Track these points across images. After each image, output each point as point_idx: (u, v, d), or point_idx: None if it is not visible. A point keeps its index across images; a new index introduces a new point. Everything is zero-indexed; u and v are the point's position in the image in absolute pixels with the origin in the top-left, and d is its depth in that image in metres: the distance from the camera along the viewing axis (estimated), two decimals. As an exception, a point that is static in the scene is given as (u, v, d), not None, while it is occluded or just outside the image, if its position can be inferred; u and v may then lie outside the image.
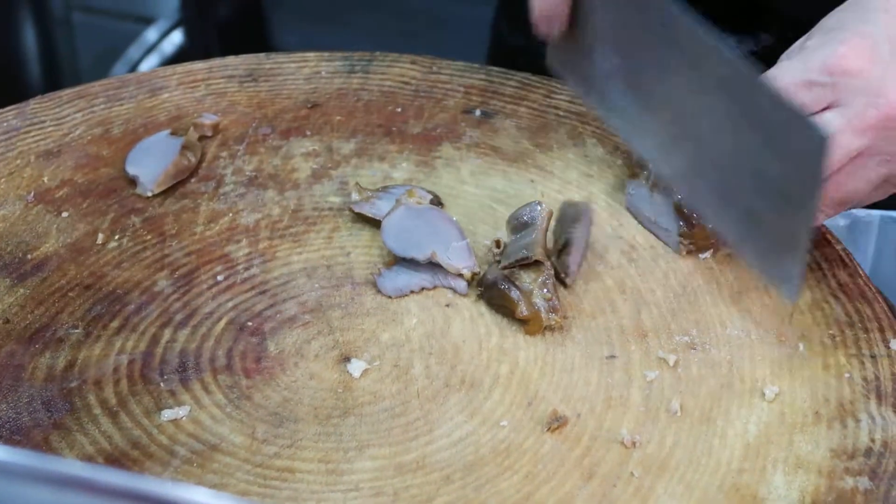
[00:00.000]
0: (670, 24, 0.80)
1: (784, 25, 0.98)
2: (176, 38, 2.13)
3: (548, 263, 0.88)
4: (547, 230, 0.89)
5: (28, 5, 2.19)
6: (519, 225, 0.90)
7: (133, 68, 2.09)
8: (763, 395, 0.82)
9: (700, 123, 0.81)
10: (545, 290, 0.87)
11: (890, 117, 0.82)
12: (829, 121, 0.82)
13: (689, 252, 0.91)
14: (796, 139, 0.73)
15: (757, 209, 0.79)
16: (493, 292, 0.88)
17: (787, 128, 0.74)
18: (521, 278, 0.87)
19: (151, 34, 2.14)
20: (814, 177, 0.74)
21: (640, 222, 0.93)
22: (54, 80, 2.19)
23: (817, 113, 0.82)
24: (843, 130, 0.82)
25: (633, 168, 0.93)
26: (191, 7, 2.08)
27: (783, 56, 0.86)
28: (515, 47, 1.27)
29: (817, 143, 0.72)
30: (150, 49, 2.11)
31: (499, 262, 0.89)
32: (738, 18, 1.14)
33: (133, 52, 2.12)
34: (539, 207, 0.90)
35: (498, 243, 0.91)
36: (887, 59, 0.82)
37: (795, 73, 0.83)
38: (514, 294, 0.87)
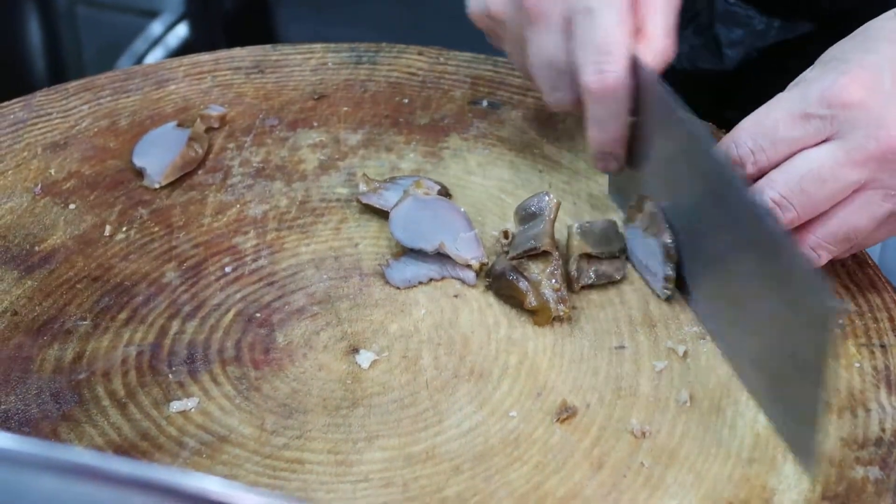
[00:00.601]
0: (713, 177, 0.81)
1: (824, 14, 0.98)
2: (181, 31, 2.13)
3: (556, 254, 0.87)
4: (555, 220, 0.89)
5: (32, -1, 2.19)
6: (527, 215, 0.90)
7: (138, 62, 2.09)
8: (773, 384, 0.82)
9: (733, 276, 0.82)
10: (553, 281, 0.87)
11: (891, 149, 0.80)
12: (828, 153, 0.80)
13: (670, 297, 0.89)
14: (809, 304, 0.72)
15: (778, 373, 0.79)
16: (501, 283, 0.88)
17: (802, 292, 0.73)
18: (530, 269, 0.87)
19: (156, 28, 2.14)
20: (822, 346, 0.72)
21: (633, 266, 0.90)
22: (59, 74, 2.19)
23: (816, 145, 0.81)
24: (842, 164, 0.80)
25: (632, 212, 0.91)
26: (195, 0, 2.08)
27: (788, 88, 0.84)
28: None
29: (826, 311, 0.71)
30: (155, 42, 2.11)
31: (507, 252, 0.89)
32: (779, 6, 1.13)
33: (138, 45, 2.12)
34: (547, 198, 0.89)
35: (506, 234, 0.91)
36: (888, 90, 0.81)
37: (793, 104, 0.81)
38: (523, 285, 0.86)
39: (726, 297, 0.83)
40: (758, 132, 0.82)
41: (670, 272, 0.86)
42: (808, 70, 0.83)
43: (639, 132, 0.88)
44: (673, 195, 0.87)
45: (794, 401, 0.77)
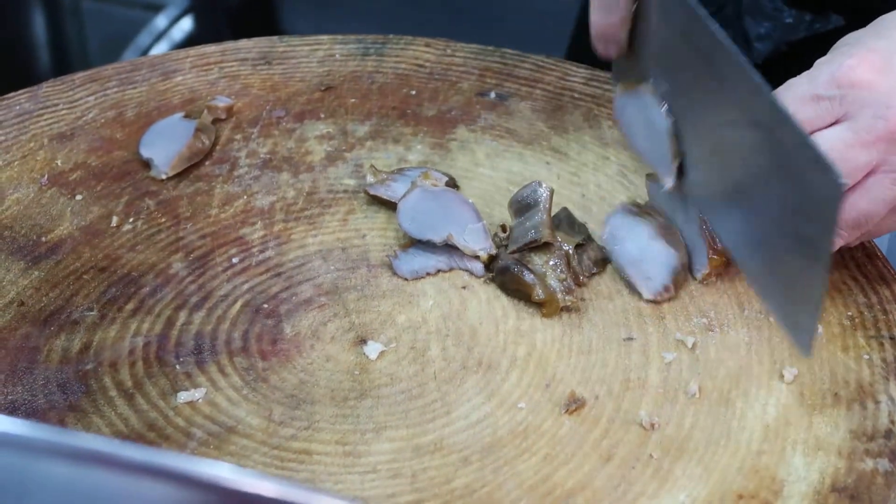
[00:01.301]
0: (715, 57, 0.80)
1: (855, 8, 0.97)
2: (185, 24, 2.12)
3: (557, 243, 0.87)
4: (551, 209, 0.88)
5: (38, -7, 2.19)
6: (522, 207, 0.90)
7: (143, 55, 2.09)
8: (782, 376, 0.82)
9: (734, 159, 0.81)
10: (558, 271, 0.86)
11: None
12: (837, 134, 0.80)
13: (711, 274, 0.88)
14: (815, 182, 0.72)
15: (778, 251, 0.78)
16: (506, 277, 0.87)
17: (807, 170, 0.73)
18: (533, 261, 0.87)
19: (161, 21, 2.14)
20: (828, 223, 0.72)
21: (617, 265, 0.89)
22: (64, 67, 2.19)
23: (826, 127, 0.81)
24: (851, 144, 0.80)
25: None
26: (201, -6, 2.08)
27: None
28: None
29: (833, 187, 0.70)
30: (160, 36, 2.11)
31: (506, 246, 0.89)
32: None
33: (143, 39, 2.11)
34: (541, 187, 0.89)
35: (504, 228, 0.90)
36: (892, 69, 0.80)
37: (803, 87, 0.81)
38: (529, 277, 0.86)
39: (726, 181, 0.83)
40: None
41: (668, 282, 0.86)
42: (822, 57, 0.83)
43: (641, 16, 0.87)
44: (673, 80, 0.86)
45: (795, 281, 0.77)
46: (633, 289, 0.87)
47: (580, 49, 1.31)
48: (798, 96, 0.81)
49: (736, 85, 0.78)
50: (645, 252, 0.87)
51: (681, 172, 0.86)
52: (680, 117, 0.85)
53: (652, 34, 0.87)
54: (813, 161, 0.72)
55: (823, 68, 0.81)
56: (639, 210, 0.89)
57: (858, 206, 0.81)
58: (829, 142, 0.80)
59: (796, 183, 0.74)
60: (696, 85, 0.83)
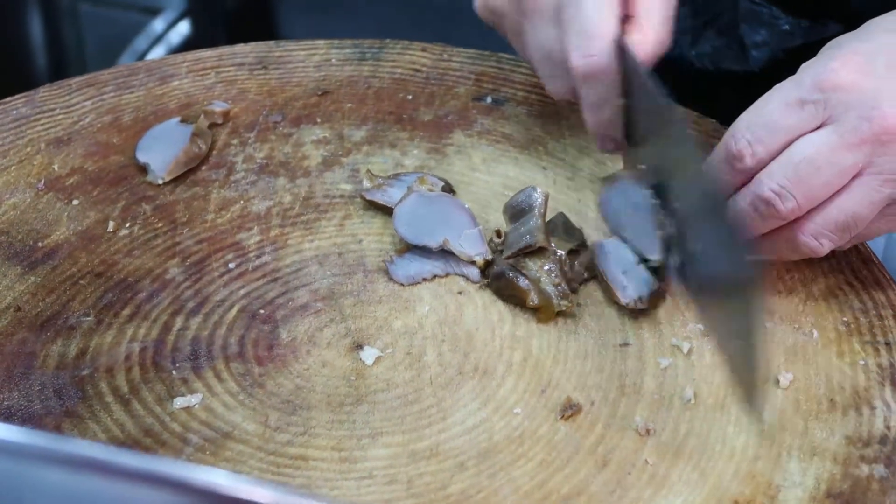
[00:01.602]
0: (670, 132, 0.84)
1: (852, 15, 0.97)
2: (183, 28, 2.12)
3: (552, 248, 0.87)
4: (546, 214, 0.89)
5: (35, -4, 2.19)
6: (517, 212, 0.90)
7: (140, 59, 2.09)
8: (777, 382, 0.82)
9: (693, 236, 0.83)
10: (553, 276, 0.86)
11: (885, 130, 0.79)
12: (822, 138, 0.80)
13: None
14: (741, 268, 0.74)
15: (725, 322, 0.80)
16: (501, 283, 0.88)
17: (737, 258, 0.75)
18: (528, 266, 0.87)
19: (158, 25, 2.14)
20: (751, 306, 0.73)
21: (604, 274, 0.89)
22: (61, 70, 2.19)
23: (812, 131, 0.81)
24: (836, 147, 0.80)
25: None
26: (198, -3, 2.08)
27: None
28: None
29: (750, 273, 0.72)
30: (157, 39, 2.11)
31: (501, 251, 0.89)
32: (805, 6, 1.13)
33: (140, 42, 2.11)
34: (535, 192, 0.89)
35: (498, 233, 0.90)
36: (882, 72, 0.80)
37: (788, 92, 0.81)
38: (523, 283, 0.86)
39: (695, 251, 0.84)
40: (754, 123, 0.82)
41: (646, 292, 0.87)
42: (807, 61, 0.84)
43: (631, 114, 0.89)
44: (651, 160, 0.88)
45: (740, 357, 0.78)
46: (608, 293, 0.87)
47: None
48: (783, 101, 0.81)
49: (685, 160, 0.82)
50: (631, 268, 0.88)
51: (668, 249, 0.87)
52: (661, 197, 0.86)
53: (640, 132, 0.89)
54: (739, 250, 0.74)
55: (808, 72, 0.81)
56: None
57: (846, 209, 0.81)
58: (814, 146, 0.80)
59: (735, 265, 0.76)
60: (664, 162, 0.86)
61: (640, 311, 0.86)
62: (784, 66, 1.02)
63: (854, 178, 0.81)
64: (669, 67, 1.08)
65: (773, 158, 0.82)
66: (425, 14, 2.08)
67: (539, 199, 0.89)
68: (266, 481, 0.75)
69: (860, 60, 0.81)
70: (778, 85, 0.83)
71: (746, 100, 0.85)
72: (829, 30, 1.13)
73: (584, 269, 0.89)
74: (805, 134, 0.81)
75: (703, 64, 1.20)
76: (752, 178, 0.82)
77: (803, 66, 0.83)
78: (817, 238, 0.82)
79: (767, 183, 0.81)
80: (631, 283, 0.87)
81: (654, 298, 0.86)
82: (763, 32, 1.17)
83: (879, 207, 0.82)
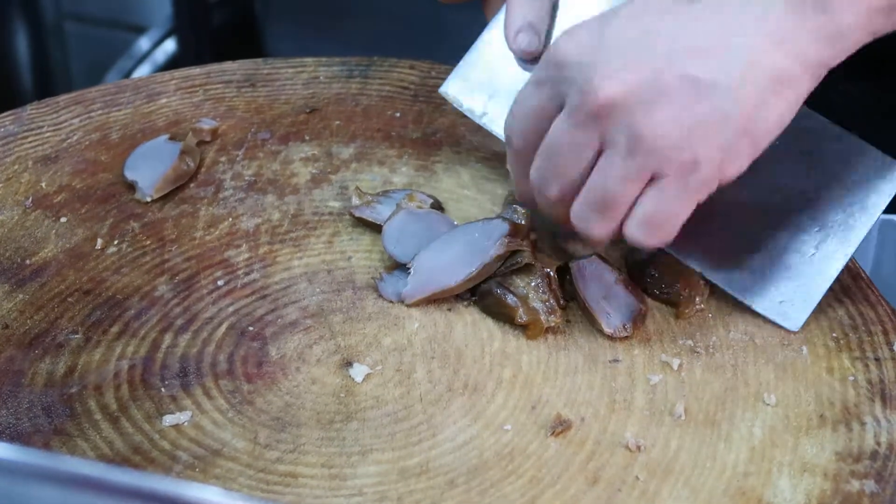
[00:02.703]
0: None
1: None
2: (168, 46, 2.12)
3: (538, 265, 0.87)
4: (530, 231, 0.89)
5: (20, 14, 2.18)
6: None
7: (126, 77, 2.08)
8: (767, 398, 0.82)
9: None
10: (541, 292, 0.86)
11: (602, 105, 0.78)
12: (558, 124, 0.81)
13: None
14: None
15: None
16: (489, 300, 0.87)
17: None
18: (515, 283, 0.87)
19: (144, 43, 2.13)
20: None
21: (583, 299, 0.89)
22: (46, 89, 2.19)
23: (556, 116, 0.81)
24: (570, 130, 0.80)
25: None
26: (184, 15, 2.07)
27: None
28: None
29: None
30: (143, 58, 2.10)
31: None
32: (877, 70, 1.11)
33: (126, 60, 2.11)
34: (517, 211, 0.89)
35: None
36: (601, 42, 0.79)
37: (533, 73, 0.83)
38: (511, 300, 0.86)
39: None
40: (515, 109, 0.84)
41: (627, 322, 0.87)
42: None
43: None
44: None
45: None
46: (591, 321, 0.87)
47: None
48: (529, 83, 0.83)
49: None
50: (610, 291, 0.87)
51: None
52: None
53: None
54: None
55: (546, 51, 0.82)
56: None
57: (596, 186, 0.80)
58: (555, 129, 0.81)
59: None
60: None
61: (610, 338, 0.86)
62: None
63: (599, 154, 0.80)
64: None
65: (533, 140, 0.83)
66: (413, 31, 2.08)
67: (522, 217, 0.89)
68: (256, 498, 0.75)
69: (584, 33, 0.80)
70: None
71: None
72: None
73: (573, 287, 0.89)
74: (550, 118, 0.81)
75: None
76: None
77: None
78: (583, 220, 0.82)
79: (532, 173, 0.83)
80: (613, 310, 0.86)
81: (637, 322, 0.86)
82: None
83: (632, 181, 0.79)
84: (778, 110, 0.78)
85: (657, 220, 0.80)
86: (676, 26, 0.78)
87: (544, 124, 0.82)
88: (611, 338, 0.86)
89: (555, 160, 0.81)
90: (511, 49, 0.92)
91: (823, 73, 0.79)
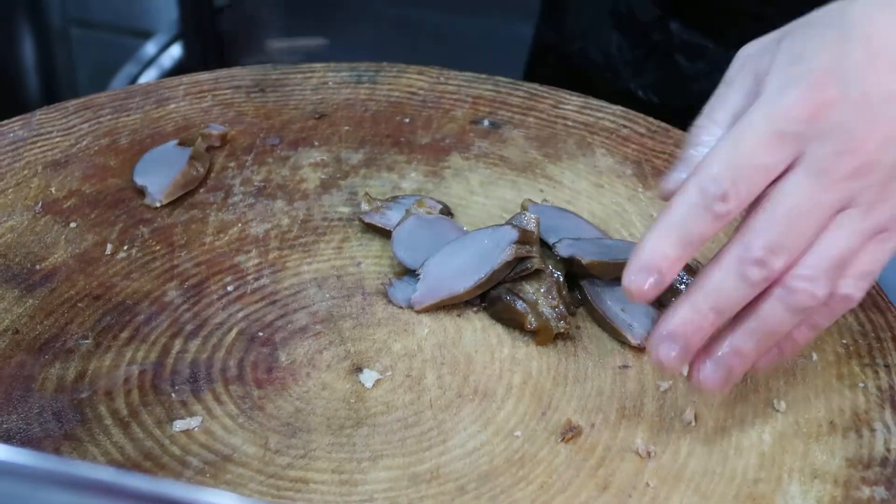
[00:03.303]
0: None
1: None
2: (175, 51, 2.12)
3: (548, 270, 0.87)
4: (539, 237, 0.88)
5: (26, 20, 2.18)
6: None
7: (132, 82, 2.09)
8: (777, 405, 0.82)
9: None
10: (550, 298, 0.86)
11: (864, 164, 0.73)
12: (800, 189, 0.73)
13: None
14: None
15: None
16: (498, 306, 0.87)
17: None
18: (524, 289, 0.87)
19: (150, 48, 2.13)
20: None
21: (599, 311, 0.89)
22: (53, 94, 2.19)
23: (789, 169, 0.73)
24: (817, 189, 0.73)
25: None
26: (190, 21, 2.07)
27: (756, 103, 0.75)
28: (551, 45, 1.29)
29: None
30: (149, 63, 2.11)
31: None
32: (733, 36, 1.13)
33: (132, 66, 2.11)
34: (525, 216, 0.89)
35: None
36: (854, 94, 0.73)
37: (761, 125, 0.73)
38: (521, 306, 0.86)
39: None
40: (734, 163, 0.73)
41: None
42: (769, 76, 0.75)
43: None
44: None
45: None
46: (615, 335, 0.87)
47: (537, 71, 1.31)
48: (759, 137, 0.73)
49: None
50: (626, 302, 0.87)
51: None
52: None
53: None
54: None
55: (778, 99, 0.73)
56: None
57: (836, 246, 0.74)
58: (792, 199, 0.73)
59: None
60: None
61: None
62: None
63: (837, 212, 0.74)
64: (616, 101, 1.08)
65: (752, 200, 0.74)
66: (421, 37, 2.08)
67: (531, 223, 0.89)
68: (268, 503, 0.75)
69: (832, 80, 0.73)
70: (746, 116, 0.74)
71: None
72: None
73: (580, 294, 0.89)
74: (783, 172, 0.74)
75: (648, 97, 1.20)
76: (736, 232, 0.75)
77: (771, 88, 0.75)
78: (813, 282, 0.74)
79: (756, 242, 0.73)
80: (635, 320, 0.86)
81: None
82: (700, 63, 1.16)
83: (868, 235, 0.75)
84: None
85: (871, 269, 0.76)
86: None
87: (771, 179, 0.74)
88: (635, 347, 0.85)
89: (796, 226, 0.73)
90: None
91: None
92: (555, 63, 1.31)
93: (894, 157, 0.74)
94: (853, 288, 0.75)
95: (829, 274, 0.74)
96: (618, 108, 1.06)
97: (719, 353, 0.76)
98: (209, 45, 2.07)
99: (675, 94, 1.19)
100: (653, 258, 0.73)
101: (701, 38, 1.16)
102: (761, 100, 0.74)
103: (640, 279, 0.74)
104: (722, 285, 0.74)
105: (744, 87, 0.77)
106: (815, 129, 0.73)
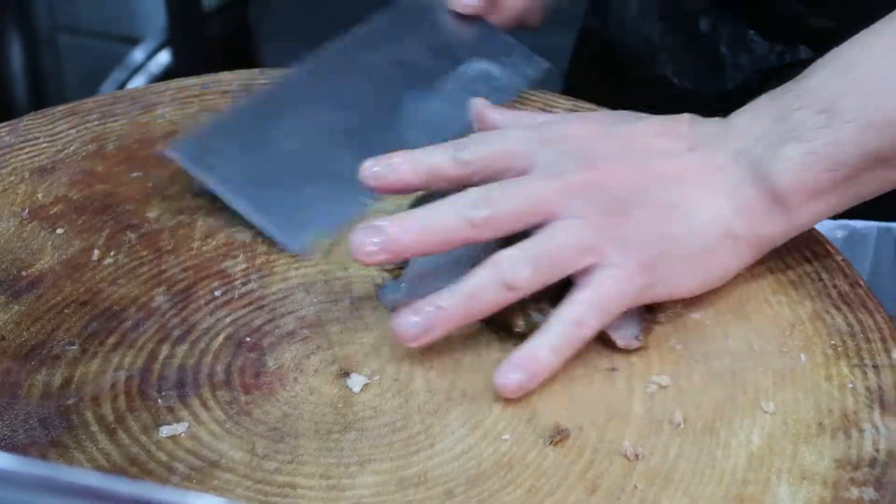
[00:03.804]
0: None
1: (820, 39, 0.98)
2: (163, 58, 2.12)
3: None
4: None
5: (14, 26, 2.18)
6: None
7: (120, 88, 2.09)
8: (766, 406, 0.82)
9: None
10: (537, 301, 0.86)
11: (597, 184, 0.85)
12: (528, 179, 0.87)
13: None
14: None
15: None
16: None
17: None
18: None
19: (138, 54, 2.14)
20: None
21: None
22: (41, 101, 2.19)
23: None
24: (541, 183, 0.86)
25: None
26: (178, 27, 2.08)
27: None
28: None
29: None
30: (137, 69, 2.11)
31: None
32: (782, 31, 1.15)
33: (120, 72, 2.11)
34: None
35: None
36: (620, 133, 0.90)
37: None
38: (509, 309, 0.86)
39: None
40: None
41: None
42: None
43: None
44: None
45: None
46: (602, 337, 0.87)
47: (577, 85, 1.33)
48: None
49: None
50: None
51: None
52: None
53: None
54: None
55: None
56: None
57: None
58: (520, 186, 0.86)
59: None
60: None
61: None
62: (755, 87, 1.03)
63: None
64: (650, 86, 1.09)
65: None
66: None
67: None
68: (257, 508, 0.75)
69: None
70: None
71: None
72: (800, 53, 1.14)
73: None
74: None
75: (683, 83, 1.21)
76: None
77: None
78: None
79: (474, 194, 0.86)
80: (623, 323, 0.86)
81: (646, 331, 0.86)
82: (744, 56, 1.17)
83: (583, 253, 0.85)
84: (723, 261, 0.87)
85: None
86: None
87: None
88: (623, 350, 0.85)
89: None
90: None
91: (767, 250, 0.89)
92: (597, 49, 1.33)
93: (625, 195, 0.84)
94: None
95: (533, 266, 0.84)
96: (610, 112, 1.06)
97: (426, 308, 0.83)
98: (197, 52, 2.07)
99: (711, 83, 1.20)
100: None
101: (747, 30, 1.17)
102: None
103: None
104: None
105: None
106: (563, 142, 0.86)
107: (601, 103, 1.05)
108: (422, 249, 0.84)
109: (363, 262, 0.84)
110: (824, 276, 0.90)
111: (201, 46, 2.05)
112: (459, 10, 1.07)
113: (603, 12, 1.31)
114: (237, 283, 0.91)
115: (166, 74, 2.09)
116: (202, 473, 0.78)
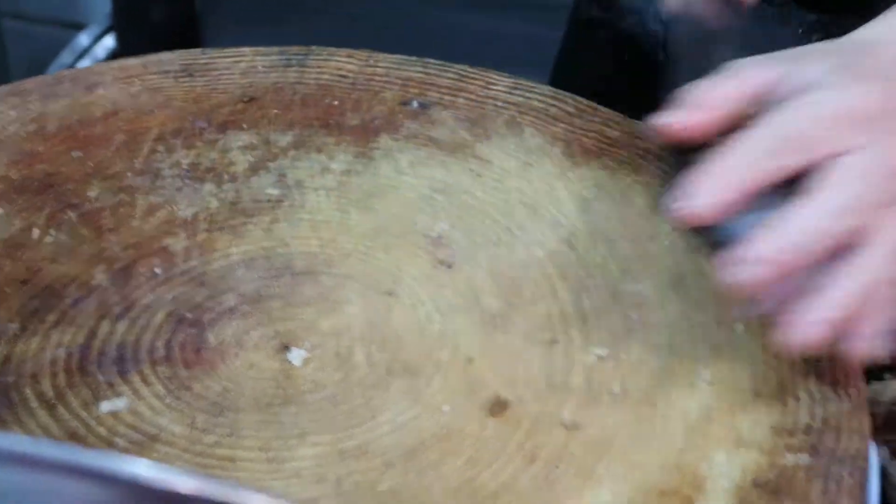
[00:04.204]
0: None
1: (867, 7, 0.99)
2: (108, 42, 2.11)
3: None
4: None
5: (-42, 13, 2.17)
6: None
7: (66, 74, 2.07)
8: (703, 375, 0.82)
9: None
10: None
11: None
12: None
13: None
14: None
15: None
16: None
17: None
18: None
19: (83, 39, 2.12)
20: None
21: None
22: (-14, 87, 2.17)
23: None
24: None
25: None
26: (122, 12, 2.07)
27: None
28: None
29: None
30: (83, 54, 2.10)
31: None
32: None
33: (65, 57, 2.10)
34: None
35: None
36: None
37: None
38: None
39: None
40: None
41: None
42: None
43: None
44: None
45: None
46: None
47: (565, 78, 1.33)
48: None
49: None
50: None
51: None
52: None
53: None
54: None
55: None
56: None
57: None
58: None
59: None
60: None
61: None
62: None
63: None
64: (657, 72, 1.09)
65: None
66: (353, 28, 2.08)
67: None
68: (192, 472, 0.75)
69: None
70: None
71: None
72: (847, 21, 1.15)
73: None
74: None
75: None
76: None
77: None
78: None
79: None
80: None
81: None
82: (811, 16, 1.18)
83: None
84: None
85: None
86: None
87: None
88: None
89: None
90: None
91: None
92: (600, 39, 1.32)
93: None
94: None
95: None
96: (547, 89, 1.06)
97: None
98: (143, 37, 2.06)
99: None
100: None
101: (792, 6, 1.18)
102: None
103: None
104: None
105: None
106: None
107: (594, 95, 1.04)
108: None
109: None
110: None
111: (146, 31, 2.04)
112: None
113: (606, 2, 1.31)
114: (178, 260, 0.91)
115: (112, 58, 2.07)
116: (142, 447, 0.78)
